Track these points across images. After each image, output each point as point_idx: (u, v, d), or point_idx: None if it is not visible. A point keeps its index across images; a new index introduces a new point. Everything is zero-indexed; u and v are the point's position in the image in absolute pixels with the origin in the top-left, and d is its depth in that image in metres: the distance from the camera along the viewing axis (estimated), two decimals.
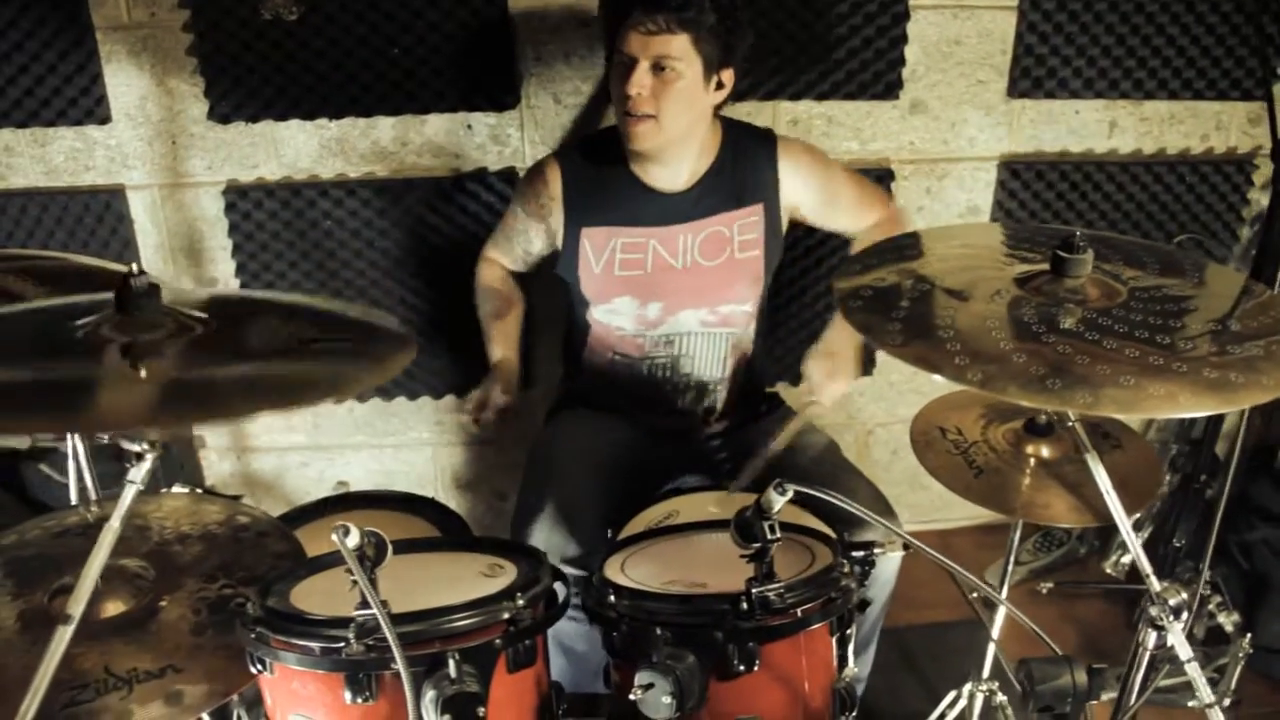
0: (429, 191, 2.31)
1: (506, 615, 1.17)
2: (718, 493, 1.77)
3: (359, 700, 1.11)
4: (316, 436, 2.59)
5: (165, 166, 2.28)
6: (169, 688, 1.13)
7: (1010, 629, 1.75)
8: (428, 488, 2.65)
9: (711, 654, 1.21)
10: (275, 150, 2.27)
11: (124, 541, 1.11)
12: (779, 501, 1.19)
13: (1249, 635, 2.07)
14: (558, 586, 1.31)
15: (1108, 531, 2.62)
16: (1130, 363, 1.11)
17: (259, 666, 1.15)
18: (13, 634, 1.20)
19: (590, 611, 1.34)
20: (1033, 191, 2.44)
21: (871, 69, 2.28)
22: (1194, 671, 1.25)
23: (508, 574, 1.28)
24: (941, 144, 2.40)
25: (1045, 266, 1.27)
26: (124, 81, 2.19)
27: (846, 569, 1.32)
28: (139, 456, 1.11)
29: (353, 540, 1.06)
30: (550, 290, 2.10)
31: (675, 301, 1.92)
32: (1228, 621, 2.14)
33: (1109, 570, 2.59)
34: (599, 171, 1.90)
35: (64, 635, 1.04)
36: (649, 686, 1.17)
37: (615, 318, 1.94)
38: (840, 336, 1.84)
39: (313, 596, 1.23)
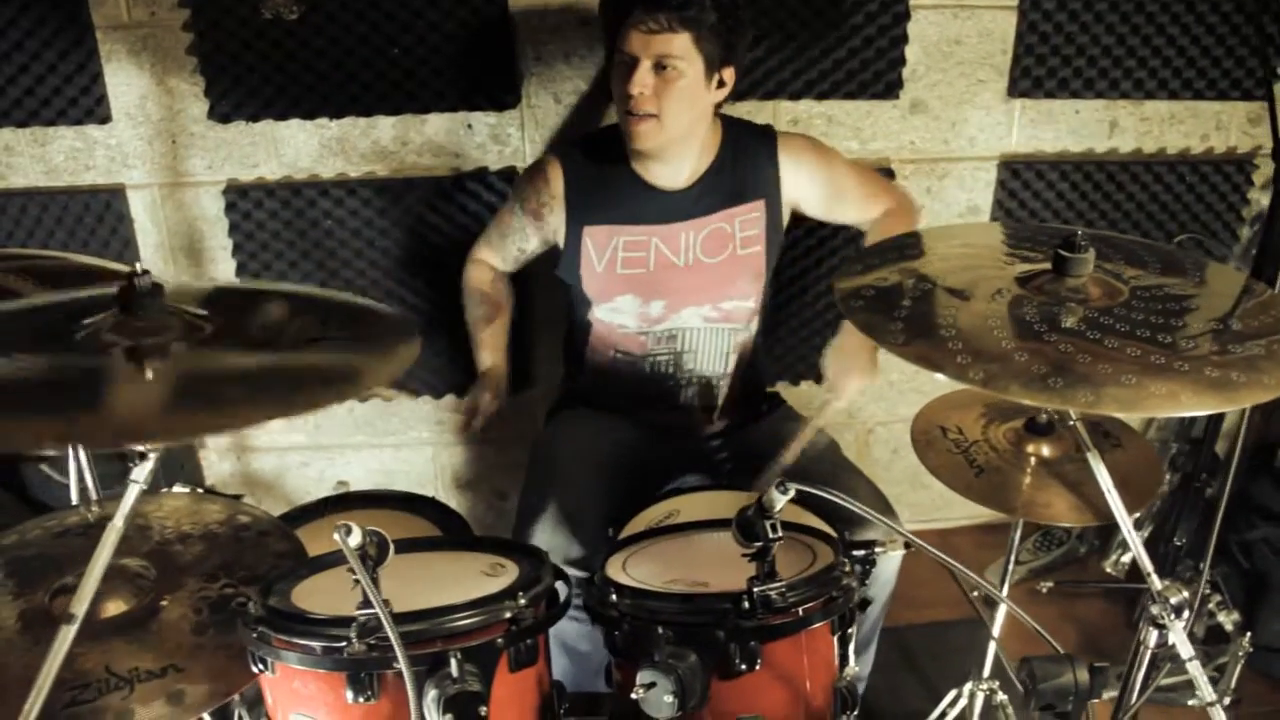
0: (429, 191, 2.31)
1: (508, 614, 1.17)
2: (718, 492, 1.77)
3: (361, 699, 1.11)
4: (317, 436, 2.59)
5: (165, 166, 2.28)
6: (170, 687, 1.13)
7: (1010, 628, 1.75)
8: (428, 487, 2.65)
9: (713, 653, 1.21)
10: (275, 150, 2.27)
11: (125, 541, 1.10)
12: (781, 500, 1.19)
13: (1249, 634, 2.07)
14: (559, 586, 1.31)
15: (1107, 531, 2.63)
16: (1132, 362, 1.11)
17: (260, 666, 1.15)
18: (13, 634, 1.20)
19: (592, 611, 1.34)
20: (1033, 191, 2.44)
21: (872, 68, 2.28)
22: (1195, 670, 1.25)
23: (509, 573, 1.29)
24: (942, 143, 2.40)
25: (1046, 266, 1.27)
26: (124, 81, 2.19)
27: (848, 568, 1.32)
28: (141, 456, 1.11)
29: (355, 539, 1.06)
30: (550, 290, 2.10)
31: (678, 299, 1.92)
32: (1228, 620, 2.15)
33: (1109, 570, 2.60)
34: (600, 170, 1.90)
35: (67, 635, 1.04)
36: (651, 685, 1.17)
37: (618, 316, 1.94)
38: (857, 334, 1.83)
39: (314, 596, 1.23)
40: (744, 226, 1.91)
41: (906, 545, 1.35)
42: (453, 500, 2.67)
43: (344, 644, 1.10)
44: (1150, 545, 2.32)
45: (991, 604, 1.75)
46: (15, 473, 2.33)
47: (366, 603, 1.07)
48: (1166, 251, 1.43)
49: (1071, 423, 1.37)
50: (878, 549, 1.44)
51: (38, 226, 2.27)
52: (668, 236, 1.89)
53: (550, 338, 2.24)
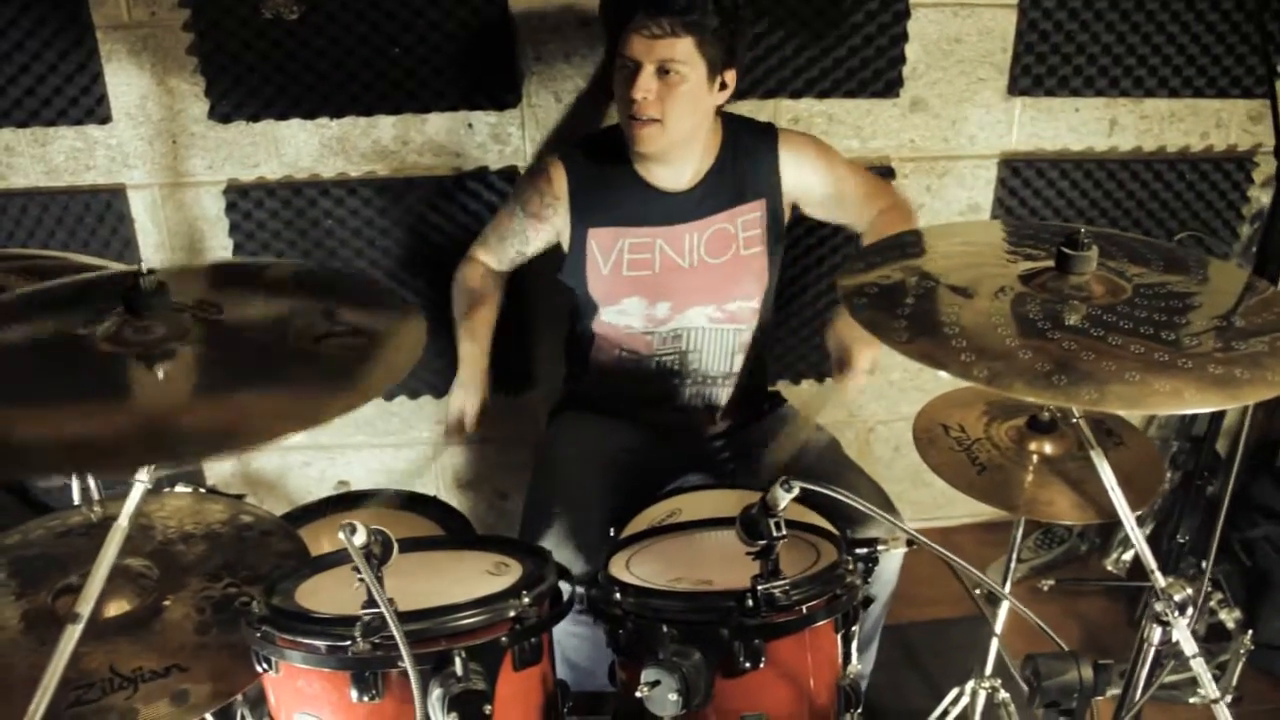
0: (430, 190, 2.30)
1: (512, 613, 1.17)
2: (720, 491, 1.77)
3: (365, 698, 1.10)
4: (318, 436, 2.58)
5: (166, 166, 2.27)
6: (174, 687, 1.13)
7: (1011, 626, 1.75)
8: (429, 487, 2.65)
9: (717, 651, 1.20)
10: (276, 149, 2.27)
11: (128, 541, 1.10)
12: (784, 499, 1.19)
13: (1250, 632, 2.07)
14: (563, 584, 1.31)
15: (1108, 529, 2.63)
16: (1136, 359, 1.11)
17: (264, 665, 1.15)
18: (17, 634, 1.20)
19: (595, 608, 1.34)
20: (1033, 189, 2.44)
21: (872, 66, 2.28)
22: (1199, 667, 1.26)
23: (513, 572, 1.28)
24: (942, 142, 2.40)
25: (1049, 263, 1.27)
26: (124, 81, 2.19)
27: (851, 566, 1.32)
28: None
29: (360, 538, 1.06)
30: (550, 290, 2.10)
31: (683, 300, 1.91)
32: (1229, 618, 2.15)
33: (1110, 567, 2.60)
34: (603, 171, 1.89)
35: (73, 634, 1.04)
36: (655, 684, 1.17)
37: (624, 318, 1.94)
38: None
39: (317, 595, 1.23)
40: (746, 226, 1.91)
41: (909, 543, 1.35)
42: (454, 500, 2.66)
43: (349, 643, 1.10)
44: (1151, 543, 2.29)
45: (993, 602, 1.76)
46: None
47: (371, 602, 1.07)
48: (1168, 249, 1.43)
49: (1074, 420, 1.38)
50: (880, 547, 1.43)
51: (38, 227, 2.27)
52: (672, 238, 1.89)
53: (551, 338, 2.23)
